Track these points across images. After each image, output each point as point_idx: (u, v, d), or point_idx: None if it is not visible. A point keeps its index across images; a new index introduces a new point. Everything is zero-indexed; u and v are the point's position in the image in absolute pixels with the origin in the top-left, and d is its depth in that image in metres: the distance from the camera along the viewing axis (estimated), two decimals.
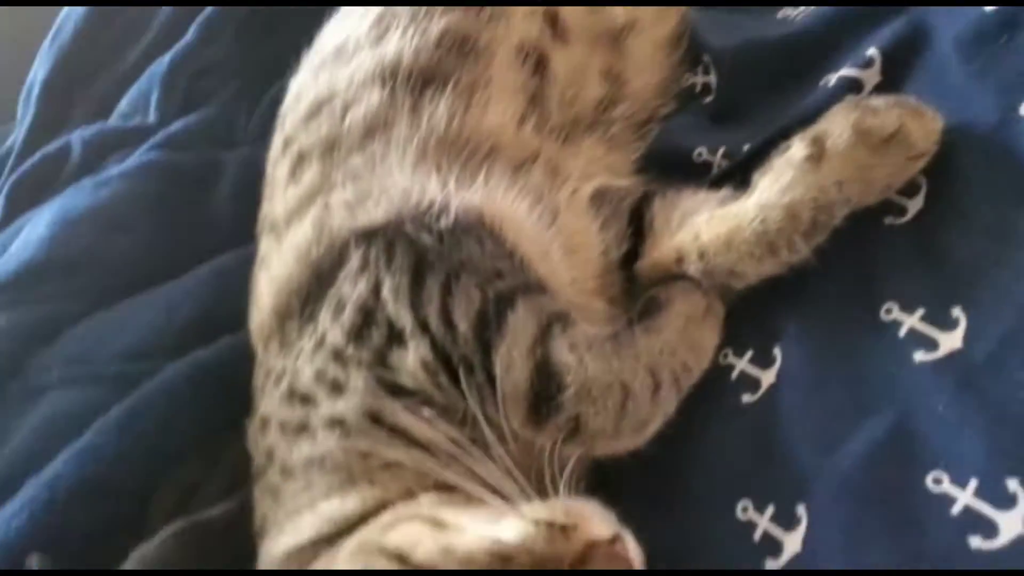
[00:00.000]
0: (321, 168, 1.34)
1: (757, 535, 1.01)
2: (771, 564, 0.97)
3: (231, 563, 1.27)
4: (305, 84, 1.47)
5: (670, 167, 1.31)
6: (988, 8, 1.09)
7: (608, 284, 1.25)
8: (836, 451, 0.98)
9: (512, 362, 1.08)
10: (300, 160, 1.38)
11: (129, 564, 1.33)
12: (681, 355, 1.11)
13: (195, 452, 1.48)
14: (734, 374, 1.12)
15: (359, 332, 1.15)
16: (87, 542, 1.40)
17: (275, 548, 1.16)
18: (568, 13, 1.37)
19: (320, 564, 1.09)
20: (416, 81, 1.33)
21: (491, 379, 1.08)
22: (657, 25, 1.43)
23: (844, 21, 1.26)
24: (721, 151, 1.28)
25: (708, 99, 1.38)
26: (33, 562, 1.35)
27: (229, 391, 1.39)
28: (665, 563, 1.02)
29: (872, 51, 1.17)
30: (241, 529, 1.26)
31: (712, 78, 1.38)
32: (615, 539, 0.99)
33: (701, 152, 1.31)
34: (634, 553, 1.00)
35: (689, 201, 1.22)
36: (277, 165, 1.44)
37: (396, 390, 1.12)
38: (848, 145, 1.06)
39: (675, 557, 1.04)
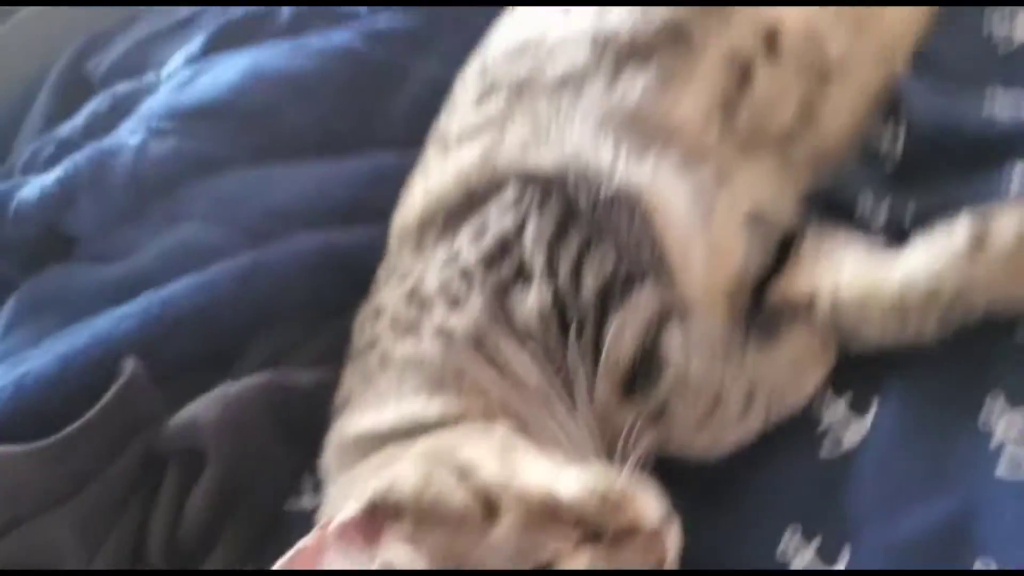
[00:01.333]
0: (507, 103, 1.39)
1: (797, 560, 1.03)
2: None
3: (303, 428, 1.34)
4: (520, 21, 1.52)
5: (832, 212, 1.32)
6: None
7: (735, 301, 1.27)
8: (897, 514, 1.00)
9: (622, 334, 1.12)
10: (491, 89, 1.43)
11: (212, 397, 1.41)
12: (782, 386, 1.14)
13: (300, 318, 1.54)
14: (828, 408, 1.15)
15: (491, 259, 1.21)
16: (179, 364, 1.51)
17: (350, 426, 1.23)
18: (787, 36, 1.38)
19: (386, 456, 1.15)
20: (624, 53, 1.36)
21: (597, 343, 1.12)
22: (867, 73, 1.43)
23: None
24: (885, 213, 1.29)
25: (890, 162, 1.38)
26: (128, 365, 1.44)
27: (351, 275, 1.46)
28: (694, 566, 1.05)
29: None
30: (322, 400, 1.33)
31: (900, 144, 1.37)
32: (660, 529, 1.02)
33: (865, 207, 1.32)
34: (672, 547, 1.03)
35: (841, 246, 1.24)
36: (467, 86, 1.50)
37: (507, 322, 1.16)
38: (1011, 247, 1.07)
39: (707, 562, 1.06)
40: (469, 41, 1.60)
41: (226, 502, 1.36)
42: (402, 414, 1.19)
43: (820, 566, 1.03)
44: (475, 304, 1.19)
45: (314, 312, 1.55)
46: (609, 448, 1.09)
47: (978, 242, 1.09)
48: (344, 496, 1.12)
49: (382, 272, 1.41)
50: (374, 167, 1.72)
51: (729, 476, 1.14)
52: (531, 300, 1.17)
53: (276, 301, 1.55)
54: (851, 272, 1.18)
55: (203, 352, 1.53)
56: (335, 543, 1.01)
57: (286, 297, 1.56)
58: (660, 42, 1.37)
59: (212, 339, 1.53)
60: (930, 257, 1.12)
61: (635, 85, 1.34)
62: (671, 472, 1.11)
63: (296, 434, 1.38)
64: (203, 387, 1.46)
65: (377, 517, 1.05)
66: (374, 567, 1.01)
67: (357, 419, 1.24)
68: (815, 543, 1.05)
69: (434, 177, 1.43)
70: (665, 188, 1.28)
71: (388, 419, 1.19)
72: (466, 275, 1.22)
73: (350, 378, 1.32)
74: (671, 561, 1.04)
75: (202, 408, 1.42)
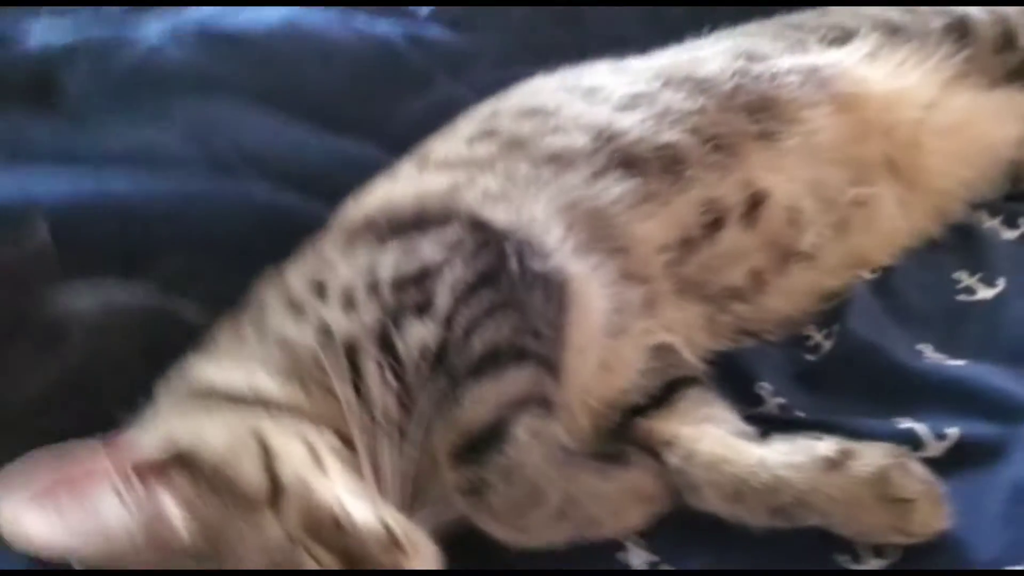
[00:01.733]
0: (496, 153, 1.42)
1: None
2: None
3: (164, 355, 1.34)
4: (547, 87, 1.56)
5: (731, 381, 1.33)
6: None
7: (604, 416, 1.28)
8: None
9: (483, 403, 1.13)
10: (488, 134, 1.47)
11: (98, 291, 1.41)
12: (604, 512, 1.14)
13: (217, 258, 1.55)
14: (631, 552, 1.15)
15: (403, 284, 1.23)
16: (87, 250, 1.50)
17: (203, 372, 1.25)
18: (770, 208, 1.41)
19: (206, 413, 1.17)
20: (619, 157, 1.39)
21: (457, 400, 1.13)
22: (830, 273, 1.45)
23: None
24: (779, 402, 1.30)
25: (811, 357, 1.40)
26: (41, 227, 1.44)
27: (280, 240, 1.46)
28: None
29: (955, 431, 1.17)
30: (196, 339, 1.34)
31: (827, 344, 1.39)
32: None
33: (763, 387, 1.33)
34: None
35: (719, 411, 1.25)
36: (470, 121, 1.54)
37: (384, 345, 1.18)
38: (864, 478, 1.07)
39: None
40: (502, 81, 1.65)
41: (65, 392, 1.36)
42: (252, 385, 1.20)
43: None
44: (367, 316, 1.21)
45: (232, 258, 1.55)
46: (413, 499, 1.11)
47: (839, 461, 1.09)
48: (157, 428, 1.15)
49: (308, 248, 1.42)
50: (359, 154, 1.72)
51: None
52: (419, 335, 1.18)
53: (201, 233, 1.56)
54: (716, 435, 1.19)
55: (111, 251, 1.52)
56: (115, 474, 1.02)
57: (212, 233, 1.57)
58: (655, 161, 1.39)
59: (125, 242, 1.53)
60: (791, 453, 1.12)
61: (613, 189, 1.36)
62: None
63: (155, 359, 1.37)
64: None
65: (171, 465, 1.06)
66: (139, 509, 1.01)
67: (212, 369, 1.25)
68: None
69: (399, 187, 1.46)
70: (594, 290, 1.29)
71: (238, 383, 1.21)
72: (373, 287, 1.24)
73: (227, 328, 1.33)
74: None
75: (85, 297, 1.43)
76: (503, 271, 1.23)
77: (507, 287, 1.21)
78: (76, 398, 1.24)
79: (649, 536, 1.17)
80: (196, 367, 1.27)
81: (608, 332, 1.29)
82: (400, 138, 1.65)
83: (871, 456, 1.09)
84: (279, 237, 1.46)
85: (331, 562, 1.02)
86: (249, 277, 1.41)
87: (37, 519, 0.94)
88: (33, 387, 1.37)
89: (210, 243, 1.56)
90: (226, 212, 1.58)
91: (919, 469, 1.08)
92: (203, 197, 1.58)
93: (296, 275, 1.33)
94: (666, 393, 1.29)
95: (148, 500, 1.02)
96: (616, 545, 1.16)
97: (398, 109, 1.86)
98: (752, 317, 1.42)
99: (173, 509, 1.02)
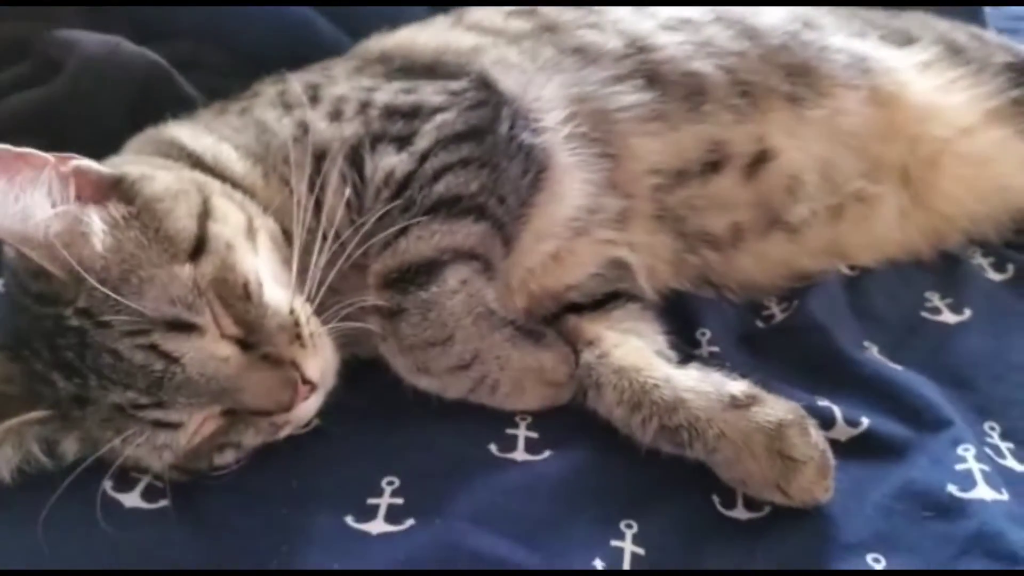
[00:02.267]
0: (529, 31, 1.43)
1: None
2: None
3: (143, 111, 1.35)
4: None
5: (675, 318, 1.35)
6: None
7: (541, 303, 1.29)
8: None
9: (427, 241, 1.14)
10: (528, 13, 1.48)
11: (109, 39, 1.43)
12: (505, 380, 1.15)
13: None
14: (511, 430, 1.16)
15: (393, 112, 1.24)
16: None
17: (175, 132, 1.28)
18: (773, 168, 1.40)
19: (163, 163, 1.20)
20: (644, 69, 1.38)
21: (405, 230, 1.14)
22: (805, 252, 1.46)
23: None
24: (713, 350, 1.32)
25: (761, 324, 1.41)
26: None
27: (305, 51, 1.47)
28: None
29: (866, 422, 1.18)
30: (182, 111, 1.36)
31: (780, 316, 1.40)
32: (306, 385, 1.06)
33: (704, 333, 1.34)
34: (309, 407, 1.09)
35: (648, 329, 1.26)
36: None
37: (353, 160, 1.20)
38: (762, 425, 1.07)
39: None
40: None
41: (44, 116, 1.37)
42: (215, 152, 1.22)
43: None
44: (348, 128, 1.23)
45: (247, 65, 1.56)
46: (325, 309, 1.13)
47: (744, 403, 1.10)
48: (111, 162, 1.17)
49: (318, 64, 1.44)
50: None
51: None
52: (390, 163, 1.19)
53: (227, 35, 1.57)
54: (636, 345, 1.20)
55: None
56: (55, 175, 1.04)
57: (239, 38, 1.59)
58: (679, 85, 1.38)
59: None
60: (700, 381, 1.13)
61: (628, 97, 1.35)
62: None
63: (139, 114, 1.39)
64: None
65: (111, 189, 1.08)
66: (65, 211, 1.03)
67: (185, 132, 1.27)
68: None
69: (426, 35, 1.46)
70: (572, 184, 1.29)
71: (204, 148, 1.23)
72: (364, 106, 1.26)
73: (214, 107, 1.37)
74: (289, 422, 1.09)
75: (98, 42, 1.45)
76: (491, 131, 1.23)
77: (489, 147, 1.22)
78: (51, 124, 1.24)
79: (539, 420, 1.18)
80: (170, 127, 1.29)
81: (572, 229, 1.29)
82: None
83: (776, 408, 1.09)
84: (297, 59, 1.47)
85: (229, 326, 1.04)
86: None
87: None
88: (15, 104, 1.38)
89: (233, 46, 1.57)
90: (257, 21, 1.58)
91: (818, 436, 1.08)
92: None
93: (296, 78, 1.35)
94: (605, 300, 1.30)
95: (77, 208, 1.04)
96: (509, 420, 1.18)
97: None
98: (719, 269, 1.41)
99: (98, 224, 1.04)
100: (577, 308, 1.28)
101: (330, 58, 1.49)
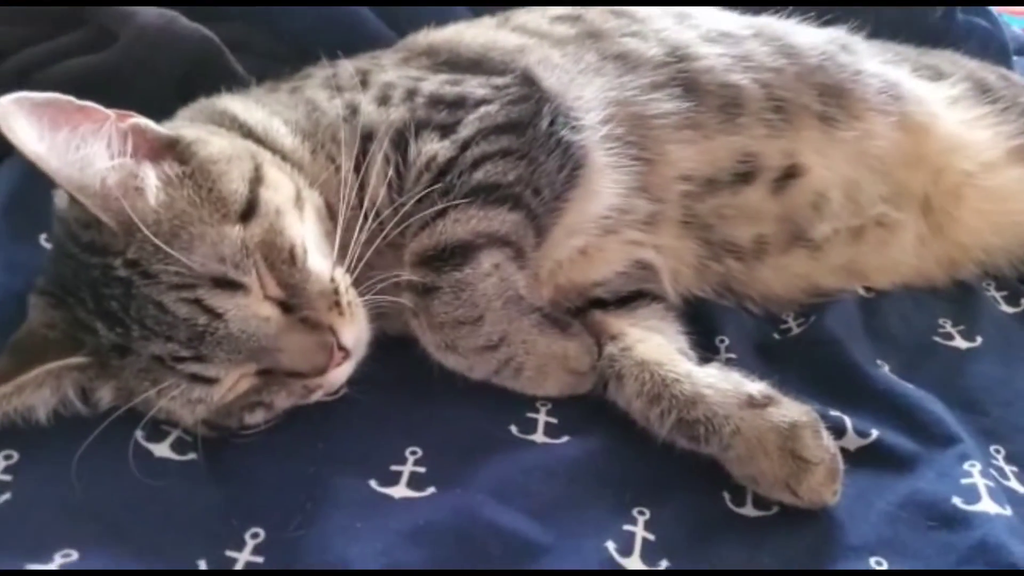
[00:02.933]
0: (572, 36, 1.46)
1: None
2: None
3: (193, 83, 1.40)
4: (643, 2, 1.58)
5: (696, 323, 1.38)
6: None
7: (567, 295, 1.33)
8: None
9: (464, 224, 1.18)
10: (574, 19, 1.52)
11: (168, 12, 1.47)
12: (530, 364, 1.18)
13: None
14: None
15: (439, 101, 1.29)
16: None
17: (228, 103, 1.32)
18: (801, 184, 1.44)
19: (217, 130, 1.24)
20: (681, 78, 1.41)
21: (444, 212, 1.18)
22: (825, 269, 1.49)
23: None
24: (730, 357, 1.35)
25: (778, 336, 1.45)
26: None
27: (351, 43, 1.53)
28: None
29: (875, 433, 1.21)
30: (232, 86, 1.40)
31: (797, 330, 1.44)
32: (340, 352, 1.10)
33: (723, 340, 1.37)
34: (341, 373, 1.13)
35: (670, 328, 1.30)
36: (560, 6, 1.58)
37: (397, 144, 1.24)
38: (776, 425, 1.10)
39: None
40: None
41: (98, 80, 1.41)
42: (267, 125, 1.26)
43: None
44: (395, 113, 1.27)
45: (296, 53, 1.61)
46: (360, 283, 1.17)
47: (760, 402, 1.13)
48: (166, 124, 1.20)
49: (366, 54, 1.48)
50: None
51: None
52: (433, 147, 1.23)
53: (283, 18, 1.65)
54: (658, 342, 1.24)
55: None
56: (115, 130, 1.08)
57: (293, 21, 1.65)
58: (716, 96, 1.41)
59: None
60: (719, 379, 1.16)
61: (666, 104, 1.38)
62: None
63: (188, 85, 1.42)
64: None
65: (167, 148, 1.12)
66: (122, 164, 1.07)
67: (237, 104, 1.32)
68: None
69: (472, 32, 1.51)
70: (606, 183, 1.32)
71: (254, 118, 1.27)
72: (411, 94, 1.30)
73: (265, 84, 1.42)
74: (321, 387, 1.12)
75: (155, 14, 1.50)
76: (532, 125, 1.26)
77: (529, 140, 1.25)
78: (104, 89, 1.28)
79: (559, 406, 1.21)
80: (223, 99, 1.33)
81: (602, 227, 1.32)
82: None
83: (791, 409, 1.13)
84: (343, 49, 1.51)
85: (272, 287, 1.08)
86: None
87: (28, 123, 1.00)
88: (71, 67, 1.42)
89: (282, 33, 1.63)
90: (307, 11, 1.64)
91: (830, 440, 1.12)
92: None
93: (346, 65, 1.39)
94: (630, 298, 1.33)
95: (133, 163, 1.08)
96: (530, 404, 1.21)
97: None
98: (741, 279, 1.44)
99: (153, 180, 1.08)
100: (602, 304, 1.32)
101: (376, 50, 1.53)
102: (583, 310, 1.32)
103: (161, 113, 1.29)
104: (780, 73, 1.46)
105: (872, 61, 1.53)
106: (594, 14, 1.52)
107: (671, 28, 1.47)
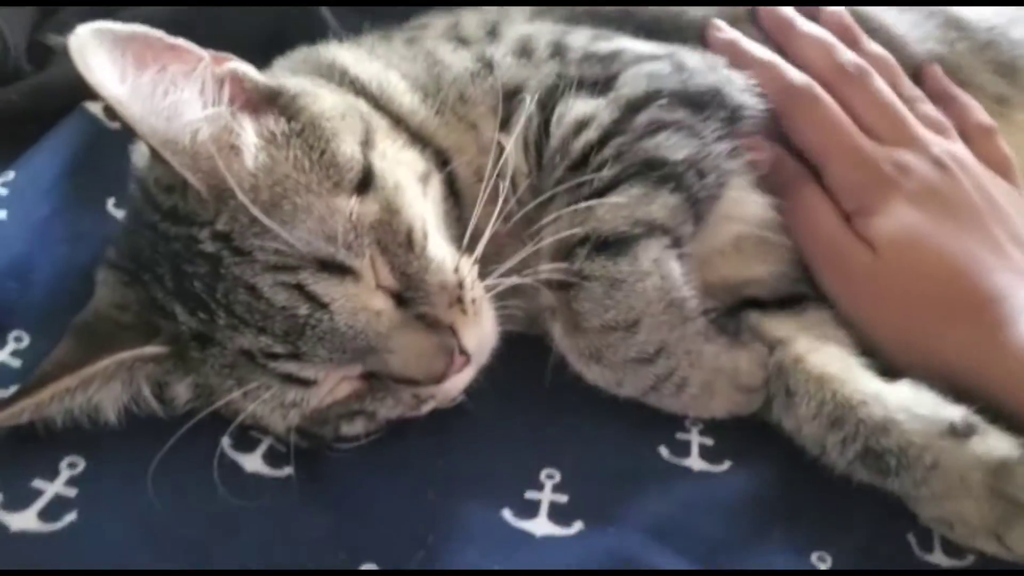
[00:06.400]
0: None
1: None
2: None
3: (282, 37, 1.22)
4: None
5: None
6: None
7: (715, 294, 1.11)
8: None
9: (623, 210, 0.98)
10: None
11: None
12: (694, 380, 0.99)
13: None
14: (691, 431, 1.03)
15: (592, 57, 1.09)
16: None
17: (335, 54, 1.13)
18: None
19: (326, 84, 1.06)
20: None
21: (600, 194, 0.98)
22: None
23: None
24: None
25: None
26: None
27: None
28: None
29: None
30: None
31: None
32: (462, 355, 0.92)
33: None
34: (460, 381, 0.94)
35: (846, 340, 1.09)
36: None
37: (544, 106, 1.05)
38: (983, 460, 0.92)
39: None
40: None
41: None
42: (382, 80, 1.07)
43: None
44: (543, 69, 1.07)
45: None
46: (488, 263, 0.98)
47: (963, 432, 0.94)
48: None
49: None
50: None
51: None
52: (587, 107, 1.03)
53: None
54: (836, 353, 1.04)
55: None
56: (211, 74, 0.90)
57: None
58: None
59: None
60: (914, 402, 0.97)
61: None
62: None
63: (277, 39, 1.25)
64: None
65: (268, 103, 0.94)
66: (216, 114, 0.89)
67: (347, 55, 1.13)
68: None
69: None
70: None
71: (368, 71, 1.08)
72: (558, 47, 1.10)
73: (377, 33, 1.21)
74: (435, 396, 0.94)
75: None
76: (715, 107, 1.06)
77: (705, 120, 1.05)
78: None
79: (712, 425, 1.03)
80: (330, 49, 1.15)
81: (762, 221, 1.12)
82: None
83: (999, 442, 0.93)
84: None
85: (385, 275, 0.90)
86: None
87: (110, 59, 0.83)
88: (144, 12, 1.25)
89: None
90: None
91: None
92: None
93: (470, 14, 1.21)
94: (792, 300, 1.13)
95: (231, 114, 0.90)
96: (678, 423, 1.02)
97: None
98: None
99: (252, 137, 0.90)
100: (759, 304, 1.12)
101: None
102: (732, 311, 1.12)
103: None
104: (952, 47, 1.29)
105: None
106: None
107: None
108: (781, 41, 1.21)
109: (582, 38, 1.12)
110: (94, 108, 1.22)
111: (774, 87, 1.11)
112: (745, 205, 1.11)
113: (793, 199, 1.11)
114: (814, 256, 1.11)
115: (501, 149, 1.01)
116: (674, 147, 1.01)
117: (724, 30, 1.19)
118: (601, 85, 1.05)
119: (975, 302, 1.02)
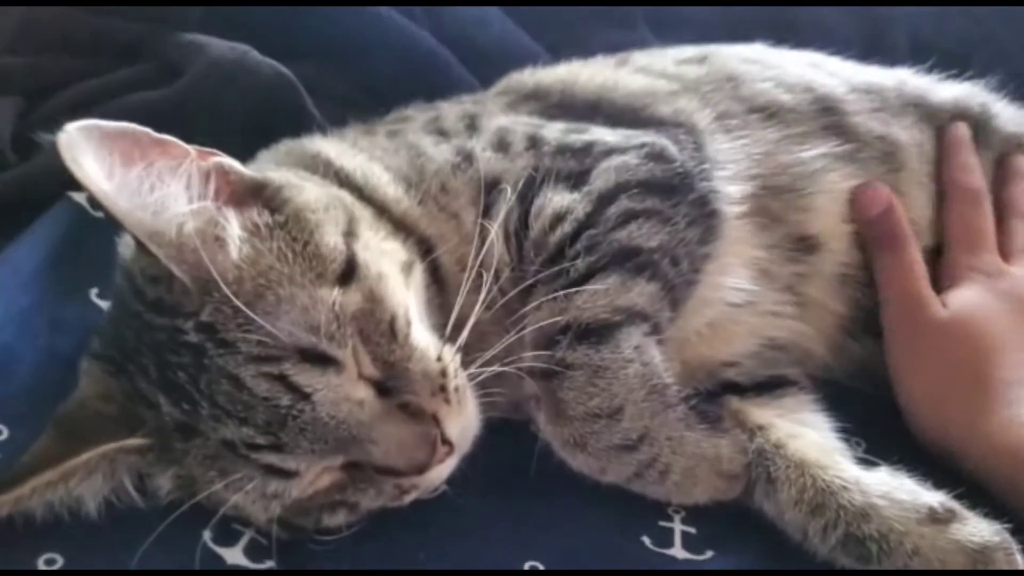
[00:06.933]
0: (707, 80, 1.30)
1: None
2: None
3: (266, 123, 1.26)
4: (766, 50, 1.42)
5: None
6: None
7: (694, 376, 1.12)
8: None
9: (602, 298, 0.99)
10: (701, 60, 1.36)
11: (239, 47, 1.36)
12: (677, 467, 0.99)
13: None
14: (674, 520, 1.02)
15: (566, 150, 1.12)
16: None
17: (320, 146, 1.16)
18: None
19: (309, 177, 1.07)
20: (829, 123, 1.27)
21: (578, 283, 1.00)
22: None
23: None
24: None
25: None
26: None
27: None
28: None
29: None
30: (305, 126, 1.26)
31: None
32: (445, 445, 0.92)
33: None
34: (443, 471, 0.94)
35: (821, 422, 1.11)
36: (681, 49, 1.43)
37: (523, 199, 1.06)
38: (964, 546, 0.93)
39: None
40: None
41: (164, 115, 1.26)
42: (367, 172, 1.09)
43: None
44: (518, 163, 1.10)
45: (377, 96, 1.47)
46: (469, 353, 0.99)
47: (943, 517, 0.95)
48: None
49: (464, 96, 1.33)
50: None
51: None
52: (563, 200, 1.06)
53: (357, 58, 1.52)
54: (815, 439, 1.05)
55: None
56: (196, 168, 0.91)
57: (368, 62, 1.53)
58: (870, 143, 1.27)
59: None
60: (893, 487, 0.97)
61: (816, 157, 1.23)
62: None
63: (261, 125, 1.27)
64: None
65: (252, 196, 0.95)
66: (201, 209, 0.90)
67: (330, 147, 1.15)
68: None
69: (588, 72, 1.34)
70: (743, 247, 1.16)
71: (352, 163, 1.10)
72: (533, 141, 1.13)
73: (359, 127, 1.24)
74: (417, 487, 0.94)
75: (227, 47, 1.37)
76: (683, 191, 1.09)
77: (675, 205, 1.08)
78: (169, 125, 1.14)
79: (694, 513, 1.02)
80: (314, 141, 1.17)
81: (740, 298, 1.15)
82: None
83: (979, 528, 0.94)
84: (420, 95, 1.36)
85: (367, 365, 0.90)
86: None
87: (97, 156, 0.84)
88: (133, 103, 1.27)
89: (355, 75, 1.50)
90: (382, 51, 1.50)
91: None
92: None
93: (448, 107, 1.24)
94: (770, 384, 1.15)
95: (215, 207, 0.91)
96: (659, 511, 1.02)
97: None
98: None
99: (237, 229, 0.91)
100: (739, 389, 1.13)
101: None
102: (713, 395, 1.12)
103: (229, 151, 1.14)
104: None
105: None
106: (720, 59, 1.35)
107: (810, 74, 1.32)
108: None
109: (554, 131, 1.14)
110: (79, 197, 1.23)
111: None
112: (718, 289, 1.13)
113: (896, 252, 1.19)
114: (894, 306, 1.17)
115: (483, 239, 1.02)
116: (646, 235, 1.03)
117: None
118: (575, 179, 1.07)
119: (986, 380, 1.07)
